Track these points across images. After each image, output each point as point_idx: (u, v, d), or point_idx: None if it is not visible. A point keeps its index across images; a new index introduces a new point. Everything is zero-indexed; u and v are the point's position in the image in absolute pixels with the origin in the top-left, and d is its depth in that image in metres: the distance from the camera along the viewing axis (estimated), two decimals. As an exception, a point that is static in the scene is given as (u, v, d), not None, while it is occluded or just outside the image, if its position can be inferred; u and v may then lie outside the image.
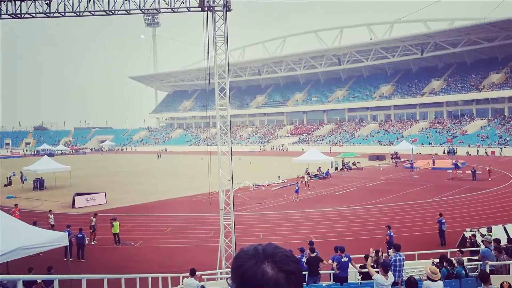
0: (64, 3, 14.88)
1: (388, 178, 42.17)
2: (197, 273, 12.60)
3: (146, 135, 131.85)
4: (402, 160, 57.28)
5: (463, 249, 14.13)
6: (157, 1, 14.94)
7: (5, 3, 14.61)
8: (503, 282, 8.64)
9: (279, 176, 42.09)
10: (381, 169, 50.72)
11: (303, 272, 11.92)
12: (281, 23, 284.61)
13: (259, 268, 1.29)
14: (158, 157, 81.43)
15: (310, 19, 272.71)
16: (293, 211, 27.21)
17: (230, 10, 14.81)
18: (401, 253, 11.26)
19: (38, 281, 14.18)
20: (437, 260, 11.99)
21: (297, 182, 34.83)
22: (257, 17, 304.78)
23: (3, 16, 14.50)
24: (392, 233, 17.02)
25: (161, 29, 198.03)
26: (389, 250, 14.68)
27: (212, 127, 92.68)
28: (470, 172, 38.82)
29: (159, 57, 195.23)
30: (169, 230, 23.22)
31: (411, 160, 49.72)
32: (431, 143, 76.03)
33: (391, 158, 60.90)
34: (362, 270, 12.41)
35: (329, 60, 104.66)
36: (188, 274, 12.55)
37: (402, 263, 10.93)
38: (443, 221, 18.75)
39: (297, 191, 31.20)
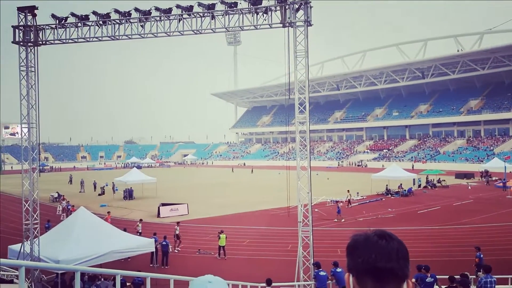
0: (157, 25, 16.15)
1: (478, 197, 39.40)
2: (274, 284, 12.77)
3: (225, 149, 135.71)
4: (494, 178, 53.20)
5: None
6: (240, 19, 15.67)
7: (106, 26, 16.25)
8: None
9: (357, 193, 41.13)
10: (469, 187, 47.52)
11: None
12: (361, 38, 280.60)
13: (365, 237, 1.57)
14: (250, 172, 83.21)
15: (391, 33, 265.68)
16: (373, 228, 26.39)
17: (311, 25, 15.09)
18: (492, 276, 10.54)
19: (127, 284, 15.22)
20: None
21: (338, 204, 33.03)
22: (337, 32, 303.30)
23: (104, 38, 16.14)
24: (481, 255, 15.90)
25: (241, 46, 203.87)
26: (478, 273, 13.76)
27: (290, 142, 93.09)
28: None
29: (239, 74, 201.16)
30: (247, 242, 23.66)
31: (504, 179, 46.03)
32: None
33: (481, 176, 56.85)
34: (448, 292, 11.80)
35: (412, 73, 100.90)
36: (264, 284, 12.76)
37: (493, 285, 10.22)
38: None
39: (339, 212, 30.07)
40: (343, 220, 29.48)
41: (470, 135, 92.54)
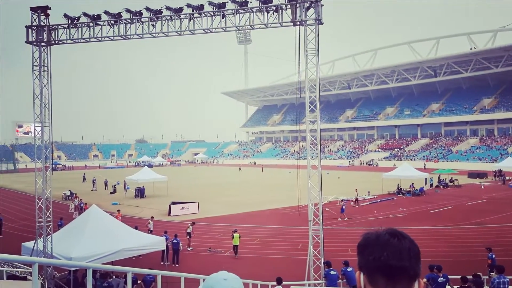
0: (168, 24, 16.25)
1: (491, 197, 38.93)
2: (285, 283, 12.76)
3: (236, 148, 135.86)
4: (507, 178, 52.54)
5: None
6: (251, 18, 15.67)
7: (117, 26, 16.41)
8: None
9: (368, 192, 40.92)
10: (482, 187, 46.97)
11: None
12: (372, 36, 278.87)
13: (376, 235, 1.57)
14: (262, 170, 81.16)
15: (403, 31, 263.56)
16: (385, 227, 26.23)
17: (321, 23, 15.03)
18: (505, 276, 10.41)
19: (138, 282, 15.34)
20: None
21: (343, 203, 33.16)
22: (348, 31, 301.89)
23: (115, 38, 16.29)
24: (493, 256, 15.71)
25: (252, 45, 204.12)
26: (491, 273, 13.61)
27: (301, 141, 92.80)
28: None
29: (249, 73, 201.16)
30: (257, 240, 23.68)
31: (518, 179, 45.45)
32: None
33: (494, 175, 56.18)
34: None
35: (424, 72, 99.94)
36: (275, 283, 12.77)
37: (506, 286, 10.10)
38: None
39: (343, 211, 30.05)
40: (340, 219, 29.33)
41: (483, 134, 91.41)
